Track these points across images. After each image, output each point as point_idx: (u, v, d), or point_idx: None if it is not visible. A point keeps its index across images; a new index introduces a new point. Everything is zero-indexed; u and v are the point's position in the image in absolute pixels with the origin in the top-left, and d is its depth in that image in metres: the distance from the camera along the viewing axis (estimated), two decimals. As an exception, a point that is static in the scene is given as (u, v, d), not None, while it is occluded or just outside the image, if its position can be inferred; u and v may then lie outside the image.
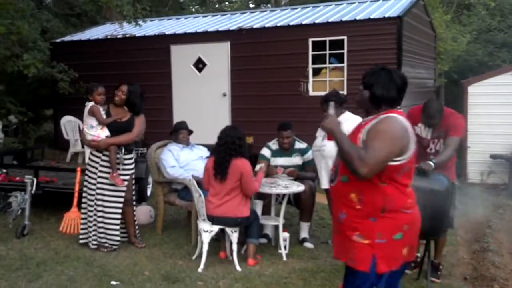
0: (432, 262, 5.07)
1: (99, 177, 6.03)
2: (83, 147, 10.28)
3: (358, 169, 2.95)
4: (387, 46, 9.90)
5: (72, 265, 5.67)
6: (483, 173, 10.38)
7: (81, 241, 6.23)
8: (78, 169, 7.04)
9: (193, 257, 5.86)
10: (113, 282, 5.21)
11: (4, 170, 7.88)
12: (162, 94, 11.51)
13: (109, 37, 12.40)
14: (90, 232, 6.13)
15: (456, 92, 13.54)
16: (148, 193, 8.30)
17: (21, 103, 12.06)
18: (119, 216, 6.14)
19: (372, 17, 10.28)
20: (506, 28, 20.04)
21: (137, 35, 12.03)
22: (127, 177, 6.16)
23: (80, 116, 11.04)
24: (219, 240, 5.90)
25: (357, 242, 3.14)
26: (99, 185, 6.03)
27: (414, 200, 3.22)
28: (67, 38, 13.39)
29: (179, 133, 6.90)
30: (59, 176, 7.86)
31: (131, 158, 6.24)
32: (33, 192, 6.76)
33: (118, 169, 6.05)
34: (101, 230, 6.10)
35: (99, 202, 6.05)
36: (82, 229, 6.24)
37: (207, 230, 5.61)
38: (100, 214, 6.07)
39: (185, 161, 6.73)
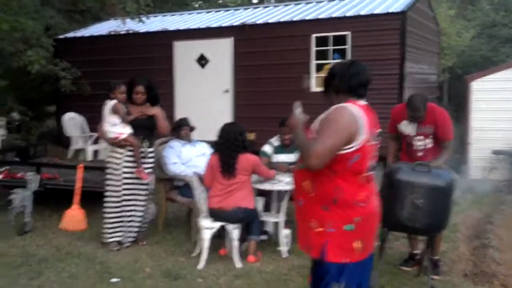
0: (431, 259, 5.05)
1: (125, 172, 6.04)
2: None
3: (306, 160, 2.99)
4: (390, 41, 9.85)
5: (73, 262, 5.70)
6: (485, 169, 10.34)
7: (108, 240, 6.13)
8: (80, 166, 7.04)
9: (194, 254, 5.87)
10: (114, 279, 5.23)
11: (7, 167, 7.89)
12: (164, 90, 11.42)
13: (112, 33, 12.37)
14: (126, 229, 6.15)
15: (460, 87, 13.49)
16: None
17: (24, 99, 12.07)
18: (143, 210, 6.24)
19: (375, 12, 10.23)
20: (510, 23, 19.96)
21: (140, 31, 12.01)
22: (150, 170, 6.23)
23: (82, 113, 11.12)
24: (219, 237, 5.90)
25: (311, 229, 3.19)
26: (124, 181, 6.05)
27: (371, 194, 3.20)
28: (70, 34, 13.37)
29: (181, 129, 6.90)
30: (61, 173, 7.87)
31: (153, 151, 6.28)
32: (35, 189, 6.78)
33: (143, 163, 6.07)
34: (125, 227, 6.14)
35: (126, 197, 6.08)
36: (108, 228, 6.13)
37: (208, 227, 5.62)
38: (128, 209, 6.13)
39: (187, 158, 6.73)
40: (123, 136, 6.00)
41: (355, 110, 3.09)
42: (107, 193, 6.13)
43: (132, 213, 6.14)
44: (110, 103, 6.01)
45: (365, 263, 3.24)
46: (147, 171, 6.17)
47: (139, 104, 6.14)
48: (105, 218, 6.13)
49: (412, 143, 5.34)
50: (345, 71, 3.26)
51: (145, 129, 6.15)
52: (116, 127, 6.01)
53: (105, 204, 6.13)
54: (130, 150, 6.05)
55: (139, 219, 6.21)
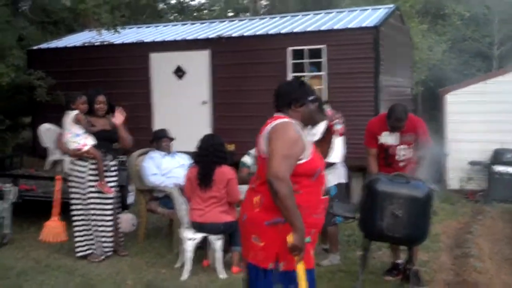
0: (410, 269, 5.10)
1: (89, 186, 5.97)
2: (64, 154, 10.15)
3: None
4: (364, 55, 9.98)
5: (53, 274, 5.61)
6: (462, 180, 10.53)
7: (79, 254, 6.06)
8: (58, 177, 6.97)
9: (176, 266, 5.84)
10: (95, 292, 5.18)
11: (-17, 179, 7.76)
12: (141, 101, 11.43)
13: (86, 44, 12.29)
14: (99, 239, 6.06)
15: (433, 100, 13.73)
16: (130, 201, 8.23)
17: (-2, 110, 11.90)
18: (110, 223, 6.10)
19: (349, 26, 10.37)
20: (480, 38, 20.40)
21: (115, 42, 11.96)
22: (113, 184, 6.13)
23: (58, 124, 10.96)
24: (202, 248, 5.88)
25: (254, 243, 3.25)
26: (89, 195, 5.97)
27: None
28: (44, 45, 13.24)
29: (161, 141, 6.88)
30: (39, 184, 7.77)
31: (116, 165, 6.22)
32: (13, 201, 6.68)
33: (106, 176, 6.00)
34: (97, 239, 6.05)
35: (92, 212, 5.99)
36: (80, 241, 6.07)
37: (190, 238, 5.60)
38: (93, 223, 6.01)
39: (166, 169, 6.71)
40: (86, 148, 5.92)
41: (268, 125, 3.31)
42: (73, 207, 6.06)
43: (102, 223, 6.05)
44: (71, 114, 5.95)
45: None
46: (110, 184, 6.08)
47: (101, 116, 6.08)
48: (75, 231, 6.08)
49: (394, 154, 5.40)
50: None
51: (106, 142, 6.06)
52: (79, 137, 5.93)
53: (73, 218, 6.06)
54: (93, 163, 5.97)
55: (110, 229, 6.11)
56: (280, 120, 3.26)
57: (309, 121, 3.42)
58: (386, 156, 5.46)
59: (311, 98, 3.41)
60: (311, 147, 3.25)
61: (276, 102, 3.40)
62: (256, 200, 3.25)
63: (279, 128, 3.19)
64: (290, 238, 3.05)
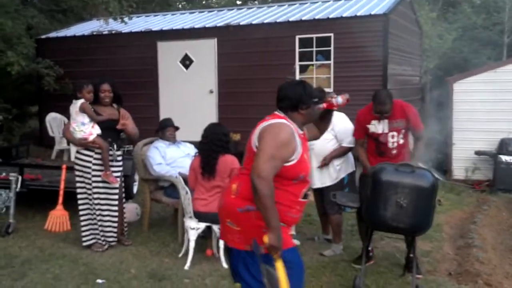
0: (412, 258, 5.09)
1: (94, 175, 5.98)
2: (68, 144, 10.21)
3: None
4: (373, 43, 9.93)
5: (57, 263, 5.64)
6: (467, 170, 10.47)
7: (85, 243, 6.08)
8: (64, 166, 6.98)
9: (180, 255, 5.85)
10: (99, 280, 5.20)
11: (-11, 168, 7.80)
12: (148, 91, 11.48)
13: (95, 33, 12.31)
14: (104, 229, 6.08)
15: (442, 89, 13.62)
16: (135, 190, 8.26)
17: (6, 99, 11.94)
18: (116, 214, 6.11)
19: (358, 14, 10.31)
20: (491, 26, 20.21)
21: (123, 31, 11.97)
22: (119, 174, 6.15)
23: (65, 113, 11.01)
24: (205, 237, 5.89)
25: (230, 227, 3.33)
26: (94, 184, 5.98)
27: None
28: (53, 34, 13.29)
29: (166, 130, 6.87)
30: (45, 173, 7.80)
31: (121, 155, 6.22)
32: (18, 190, 6.72)
33: (112, 166, 6.02)
34: (101, 228, 6.07)
35: (96, 201, 6.00)
36: (85, 230, 6.09)
37: (193, 228, 5.61)
38: (98, 212, 6.02)
39: (171, 159, 6.71)
40: (92, 138, 5.90)
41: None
42: (78, 195, 6.07)
43: (108, 213, 6.05)
44: (77, 103, 5.93)
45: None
46: (115, 174, 6.07)
47: (106, 105, 6.04)
48: (80, 220, 6.09)
49: (386, 141, 5.40)
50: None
51: (112, 131, 6.02)
52: (85, 127, 5.91)
53: (79, 207, 6.08)
54: (98, 153, 5.96)
55: (116, 219, 6.12)
56: (277, 120, 3.29)
57: (311, 121, 3.54)
58: (377, 145, 5.46)
59: (315, 100, 3.45)
60: (301, 151, 3.26)
61: (280, 104, 3.40)
62: (234, 187, 3.32)
63: (273, 128, 3.22)
64: (266, 239, 3.07)
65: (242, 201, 3.24)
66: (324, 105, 3.55)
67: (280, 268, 3.12)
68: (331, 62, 10.26)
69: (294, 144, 3.21)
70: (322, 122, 3.72)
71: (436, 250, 6.14)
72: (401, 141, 5.39)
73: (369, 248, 5.49)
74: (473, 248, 5.99)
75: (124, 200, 6.49)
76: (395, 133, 5.38)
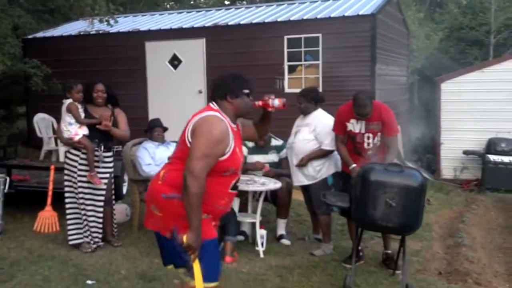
0: (387, 253, 5.15)
1: (79, 175, 5.95)
2: (56, 145, 10.17)
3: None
4: (361, 44, 9.98)
5: (46, 264, 5.59)
6: (456, 169, 10.54)
7: (71, 242, 6.05)
8: (52, 167, 6.94)
9: (170, 255, 5.83)
10: (89, 282, 5.15)
11: (-24, 169, 7.73)
12: (137, 91, 11.43)
13: (82, 33, 12.25)
14: (90, 229, 6.03)
15: (429, 89, 13.72)
16: (124, 191, 8.23)
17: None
18: (101, 215, 6.07)
19: (346, 14, 10.35)
20: (478, 26, 20.36)
21: (111, 31, 11.92)
22: (106, 175, 6.10)
23: (53, 114, 10.96)
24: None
25: (153, 212, 3.38)
26: (79, 184, 5.95)
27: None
28: (40, 34, 13.21)
29: (154, 130, 6.85)
30: (33, 174, 7.75)
31: (110, 156, 6.19)
32: (5, 191, 6.67)
33: (98, 167, 5.98)
34: (86, 228, 6.03)
35: (81, 201, 5.97)
36: (72, 229, 6.06)
37: (183, 228, 5.59)
38: (83, 212, 5.99)
39: (161, 159, 6.67)
40: (77, 138, 5.87)
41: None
42: (66, 194, 6.06)
43: (92, 213, 6.01)
44: (66, 102, 5.92)
45: None
46: (102, 175, 6.03)
47: (100, 105, 6.01)
48: (67, 219, 6.07)
49: (362, 141, 5.44)
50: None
51: (101, 132, 5.95)
52: (72, 126, 5.88)
53: (66, 205, 6.06)
54: (84, 153, 5.93)
55: (101, 220, 6.07)
56: (211, 112, 3.31)
57: (243, 114, 3.48)
58: (354, 144, 5.49)
59: (246, 91, 3.44)
60: (234, 145, 3.27)
61: (212, 93, 3.45)
62: (162, 174, 3.35)
63: (207, 124, 3.22)
64: (185, 238, 3.11)
65: (167, 188, 3.28)
66: (260, 102, 3.51)
67: (196, 267, 3.20)
68: (320, 62, 10.29)
69: (228, 140, 3.23)
70: (261, 124, 3.67)
71: (426, 249, 6.18)
72: (378, 143, 5.42)
73: (359, 248, 5.50)
74: (463, 247, 6.03)
75: (114, 201, 6.46)
76: (370, 135, 5.42)
